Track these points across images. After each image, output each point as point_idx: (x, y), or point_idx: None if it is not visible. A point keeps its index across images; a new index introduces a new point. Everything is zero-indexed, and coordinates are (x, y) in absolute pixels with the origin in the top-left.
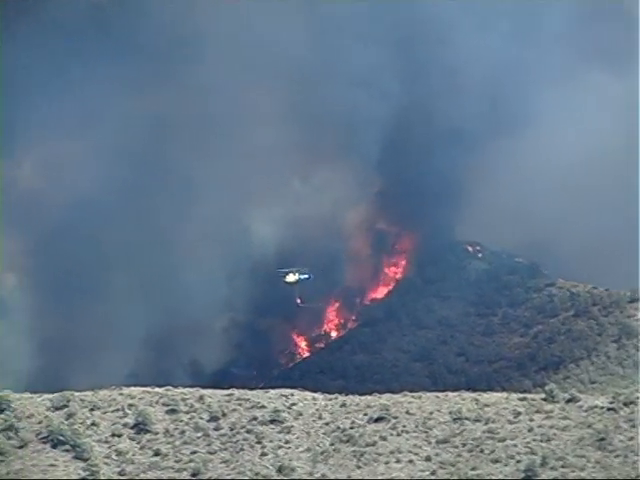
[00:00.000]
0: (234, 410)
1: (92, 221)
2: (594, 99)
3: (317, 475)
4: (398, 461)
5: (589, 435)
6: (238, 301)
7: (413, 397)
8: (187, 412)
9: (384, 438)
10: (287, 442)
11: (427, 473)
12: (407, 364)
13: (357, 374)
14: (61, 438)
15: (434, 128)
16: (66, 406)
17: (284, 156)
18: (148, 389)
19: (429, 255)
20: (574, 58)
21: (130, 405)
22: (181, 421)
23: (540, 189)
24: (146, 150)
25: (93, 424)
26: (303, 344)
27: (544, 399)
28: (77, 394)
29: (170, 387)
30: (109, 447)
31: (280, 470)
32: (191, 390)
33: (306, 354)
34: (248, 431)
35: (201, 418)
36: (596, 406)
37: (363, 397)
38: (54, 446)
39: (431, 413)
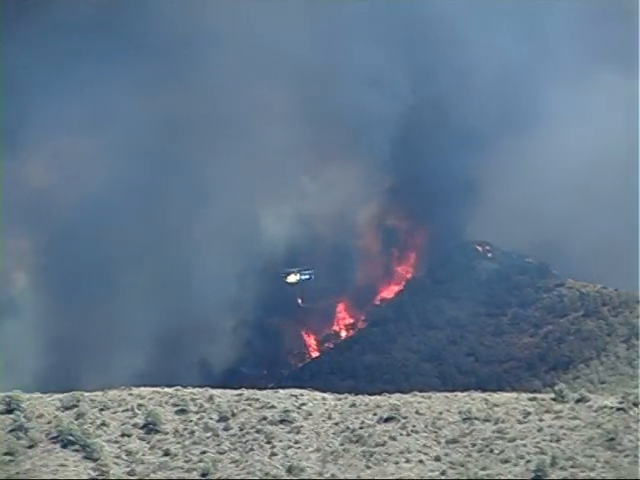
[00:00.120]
0: (244, 410)
1: (102, 220)
2: (605, 99)
3: (327, 475)
4: (408, 461)
5: (598, 435)
6: (248, 300)
7: (423, 397)
8: (197, 412)
9: (394, 438)
10: (297, 442)
11: (437, 473)
12: (417, 364)
13: (367, 374)
14: (71, 438)
15: (444, 127)
16: (76, 406)
17: (294, 155)
18: (158, 389)
19: (439, 255)
20: (585, 58)
21: (140, 405)
22: (190, 421)
23: (550, 189)
24: (156, 149)
25: (103, 424)
26: (313, 344)
27: (554, 399)
28: (87, 394)
29: (180, 387)
30: (119, 447)
31: (290, 470)
32: (200, 390)
33: (316, 354)
34: (258, 431)
35: (211, 418)
36: (606, 406)
37: (373, 397)
38: (64, 446)
39: (441, 413)
